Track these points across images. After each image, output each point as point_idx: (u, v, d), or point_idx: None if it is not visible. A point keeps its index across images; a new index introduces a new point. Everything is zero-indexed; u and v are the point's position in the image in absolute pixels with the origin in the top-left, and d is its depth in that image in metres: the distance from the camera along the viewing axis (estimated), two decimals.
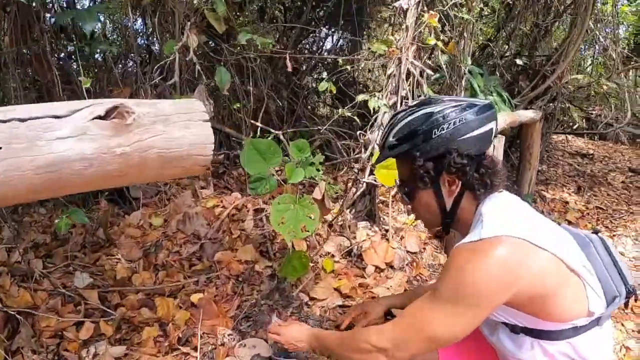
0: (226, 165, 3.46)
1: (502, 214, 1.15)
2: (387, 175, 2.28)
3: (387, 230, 2.87)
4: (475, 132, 1.18)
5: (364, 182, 2.79)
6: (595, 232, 1.33)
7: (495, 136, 1.25)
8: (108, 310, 2.02)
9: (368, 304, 1.77)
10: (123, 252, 2.37)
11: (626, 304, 1.24)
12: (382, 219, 3.01)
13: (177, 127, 1.17)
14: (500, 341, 1.27)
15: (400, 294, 1.98)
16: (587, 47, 5.91)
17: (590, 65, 6.11)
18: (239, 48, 2.94)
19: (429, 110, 1.21)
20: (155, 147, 1.12)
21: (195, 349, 1.83)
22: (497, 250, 1.06)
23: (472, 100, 1.23)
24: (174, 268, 2.28)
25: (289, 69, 2.63)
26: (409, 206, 1.36)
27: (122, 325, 1.97)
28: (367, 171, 2.78)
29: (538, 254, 1.09)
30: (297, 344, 1.50)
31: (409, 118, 1.23)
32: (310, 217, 1.85)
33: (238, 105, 3.83)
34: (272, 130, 3.38)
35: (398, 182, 1.36)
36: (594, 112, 6.41)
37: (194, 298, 2.06)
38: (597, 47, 5.43)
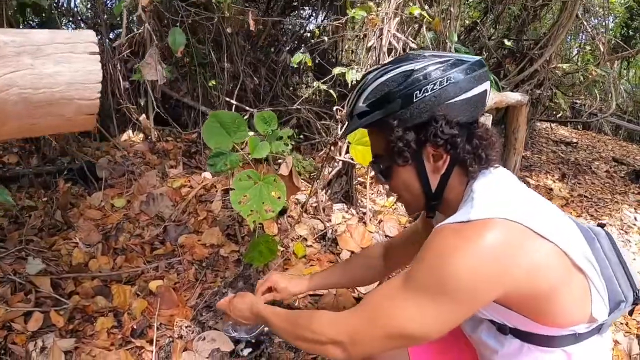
0: (198, 144, 3.29)
1: (497, 193, 0.96)
2: (364, 152, 2.13)
3: (364, 214, 2.74)
4: (466, 95, 0.96)
5: (340, 160, 2.64)
6: (601, 225, 1.13)
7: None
8: (61, 298, 1.87)
9: (281, 278, 1.56)
10: (81, 235, 2.21)
11: (631, 312, 1.07)
12: (359, 201, 2.89)
13: (51, 60, 0.90)
14: (482, 341, 1.10)
15: (328, 271, 1.65)
16: (574, 36, 5.79)
17: (577, 54, 5.99)
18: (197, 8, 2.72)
19: (407, 67, 0.98)
20: (17, 85, 0.86)
21: (150, 341, 1.70)
22: (487, 235, 0.87)
23: (460, 55, 1.00)
24: (134, 252, 2.13)
25: (252, 28, 2.42)
26: (387, 186, 1.14)
27: (75, 315, 1.83)
28: (344, 149, 2.63)
29: (537, 243, 0.89)
30: (243, 319, 1.37)
31: (383, 78, 1.00)
32: (276, 197, 1.70)
33: (213, 83, 3.65)
34: (247, 108, 3.21)
35: (372, 157, 1.12)
36: (578, 102, 6.34)
37: (153, 285, 1.92)
38: (583, 36, 5.30)
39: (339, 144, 2.63)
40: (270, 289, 1.58)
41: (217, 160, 1.80)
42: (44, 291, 1.88)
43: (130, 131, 3.22)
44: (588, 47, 5.37)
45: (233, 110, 3.21)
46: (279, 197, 1.75)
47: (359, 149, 2.24)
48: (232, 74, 3.78)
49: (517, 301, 0.95)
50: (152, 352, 1.65)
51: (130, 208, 2.40)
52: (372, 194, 3.09)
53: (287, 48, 4.71)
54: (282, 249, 2.27)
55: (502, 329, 1.04)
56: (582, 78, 4.76)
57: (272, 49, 4.74)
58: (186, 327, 1.72)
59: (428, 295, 0.90)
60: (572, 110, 6.95)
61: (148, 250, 2.17)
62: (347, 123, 1.11)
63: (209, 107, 3.69)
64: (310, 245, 2.40)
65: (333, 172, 2.75)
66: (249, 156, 1.82)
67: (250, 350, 1.72)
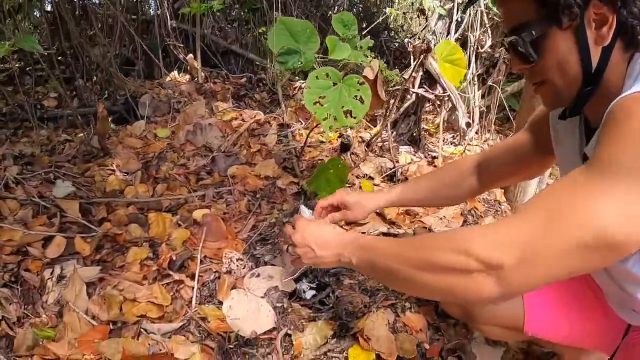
0: (248, 89, 2.79)
1: None
2: (453, 71, 1.58)
3: (434, 157, 2.17)
4: None
5: (413, 92, 2.08)
6: None
7: None
8: (90, 225, 1.43)
9: (350, 193, 1.15)
10: (119, 162, 1.76)
11: None
12: (426, 145, 2.32)
13: None
14: (630, 272, 0.76)
15: (410, 183, 1.23)
16: None
17: None
18: None
19: None
20: None
21: (192, 276, 1.22)
22: None
23: None
24: (178, 182, 1.66)
25: None
26: (527, 71, 0.76)
27: (105, 244, 1.38)
28: (417, 81, 2.07)
29: None
30: (322, 253, 0.86)
31: None
32: (359, 100, 1.17)
33: (263, 29, 3.16)
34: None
35: (512, 32, 0.73)
36: None
37: (197, 214, 1.44)
38: None
39: (413, 75, 2.06)
40: (335, 209, 1.11)
41: (288, 58, 1.31)
42: (70, 216, 1.44)
43: (176, 72, 2.76)
44: None
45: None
46: (362, 101, 1.21)
47: (447, 66, 1.68)
48: None
49: None
50: (192, 288, 1.17)
51: (175, 138, 1.94)
52: (439, 140, 2.51)
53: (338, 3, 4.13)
54: (347, 186, 1.74)
55: None
56: None
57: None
58: (237, 261, 1.23)
59: (632, 179, 0.55)
60: None
61: (193, 180, 1.70)
62: None
63: (257, 55, 3.19)
64: (377, 185, 1.86)
65: (405, 106, 2.17)
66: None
67: (314, 293, 1.21)
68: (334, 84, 1.23)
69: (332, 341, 1.12)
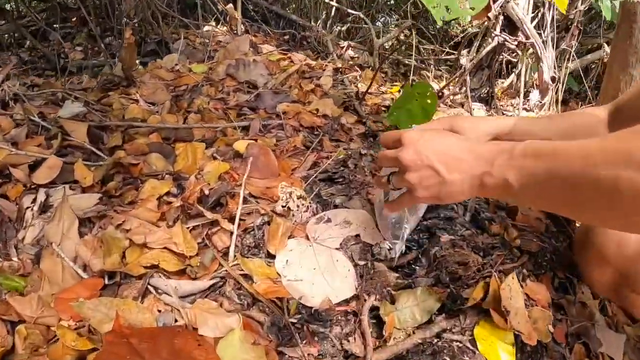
0: (291, 46, 2.36)
1: None
2: None
3: None
4: None
5: (495, 36, 1.61)
6: None
7: None
8: (98, 152, 1.01)
9: (460, 117, 0.95)
10: (144, 92, 1.35)
11: None
12: (500, 106, 1.84)
13: None
14: None
15: (534, 119, 0.91)
16: None
17: None
18: None
19: None
20: None
21: (231, 218, 0.77)
22: None
23: None
24: (214, 114, 1.23)
25: None
26: None
27: (114, 175, 0.95)
28: (499, 25, 1.60)
29: None
30: (454, 176, 0.55)
31: None
32: None
33: None
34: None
35: None
36: None
37: (240, 146, 1.00)
38: None
39: (494, 16, 1.59)
40: None
41: None
42: (75, 140, 1.04)
43: (213, 23, 2.35)
44: None
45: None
46: None
47: None
48: None
49: None
50: (231, 233, 0.72)
51: (213, 73, 1.51)
52: (506, 105, 2.02)
53: None
54: None
55: None
56: None
57: None
58: (297, 199, 0.78)
59: None
60: None
61: (233, 115, 1.26)
62: None
63: (300, 17, 2.76)
64: None
65: (484, 52, 1.70)
66: None
67: (404, 250, 0.77)
68: None
69: (441, 317, 0.68)
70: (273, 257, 0.72)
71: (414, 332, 0.67)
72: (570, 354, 0.77)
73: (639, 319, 0.91)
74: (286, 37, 2.54)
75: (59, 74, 1.71)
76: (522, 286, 0.81)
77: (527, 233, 0.99)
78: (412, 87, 1.07)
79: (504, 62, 2.26)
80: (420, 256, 0.82)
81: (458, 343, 0.68)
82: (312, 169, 0.96)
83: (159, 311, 0.61)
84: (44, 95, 1.23)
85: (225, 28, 2.37)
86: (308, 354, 0.56)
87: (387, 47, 2.49)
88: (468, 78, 1.60)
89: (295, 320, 0.60)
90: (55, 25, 2.43)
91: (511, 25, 1.88)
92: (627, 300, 0.74)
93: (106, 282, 0.71)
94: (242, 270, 0.67)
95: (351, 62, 2.19)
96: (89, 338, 0.61)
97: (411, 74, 1.35)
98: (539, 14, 2.00)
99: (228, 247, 0.73)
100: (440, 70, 2.52)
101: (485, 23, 1.73)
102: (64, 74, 1.83)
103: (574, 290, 0.90)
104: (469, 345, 0.68)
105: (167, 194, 0.89)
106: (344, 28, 2.86)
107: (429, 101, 1.05)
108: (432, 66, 2.18)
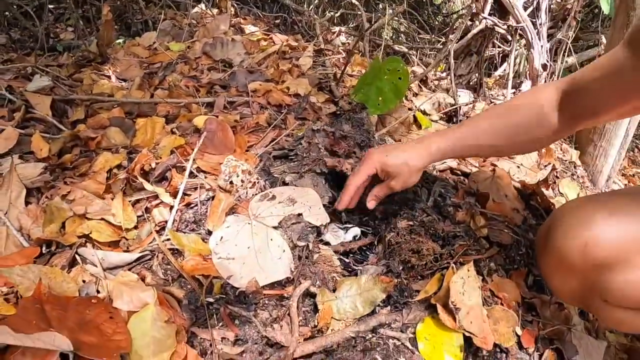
0: (282, 30, 2.30)
1: None
2: None
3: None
4: None
5: (483, 18, 1.54)
6: None
7: None
8: (60, 125, 1.00)
9: (386, 152, 0.77)
10: (117, 69, 1.31)
11: None
12: (489, 95, 1.77)
13: None
14: None
15: (470, 125, 0.79)
16: None
17: None
18: None
19: None
20: None
21: (174, 193, 0.75)
22: None
23: None
24: (183, 91, 1.20)
25: None
26: None
27: (73, 148, 0.92)
28: (488, 7, 1.53)
29: None
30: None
31: None
32: None
33: None
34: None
35: None
36: None
37: (199, 121, 0.97)
38: None
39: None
40: (372, 179, 0.77)
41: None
42: (38, 112, 1.02)
43: (202, 5, 2.29)
44: None
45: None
46: None
47: None
48: None
49: None
50: (171, 207, 0.70)
51: (190, 51, 1.46)
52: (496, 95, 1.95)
53: None
54: (402, 104, 1.23)
55: None
56: None
57: None
58: (242, 173, 0.75)
59: None
60: None
61: (203, 92, 1.22)
62: None
63: (294, 2, 2.68)
64: (436, 121, 1.34)
65: (466, 38, 1.63)
66: None
67: (355, 233, 0.74)
68: None
69: (385, 310, 0.64)
70: (210, 234, 0.69)
71: (349, 324, 0.62)
72: None
73: (611, 329, 0.82)
74: (277, 21, 2.47)
75: (46, 53, 1.68)
76: (486, 281, 0.75)
77: (498, 223, 0.91)
78: (382, 62, 1.01)
79: (497, 54, 2.18)
80: (375, 242, 0.79)
81: (395, 340, 0.62)
82: (272, 144, 0.93)
83: (84, 281, 0.59)
84: (15, 69, 1.20)
85: (216, 11, 2.31)
86: (223, 338, 0.53)
87: (385, 36, 2.42)
88: (452, 61, 1.53)
89: (214, 301, 0.57)
90: (50, 6, 2.39)
91: (502, 10, 1.81)
92: (597, 310, 0.64)
93: (43, 251, 0.69)
94: (173, 244, 0.65)
95: (341, 48, 2.13)
96: (15, 304, 0.60)
97: (381, 50, 1.27)
98: (534, 2, 1.91)
99: (166, 222, 0.71)
100: (431, 58, 2.45)
101: (474, 5, 1.67)
102: (51, 54, 1.80)
103: (551, 291, 0.79)
104: (407, 344, 0.62)
105: (119, 167, 0.86)
106: (337, 14, 2.79)
107: (400, 78, 1.00)
108: (419, 51, 2.11)
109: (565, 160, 1.62)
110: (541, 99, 0.74)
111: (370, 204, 0.77)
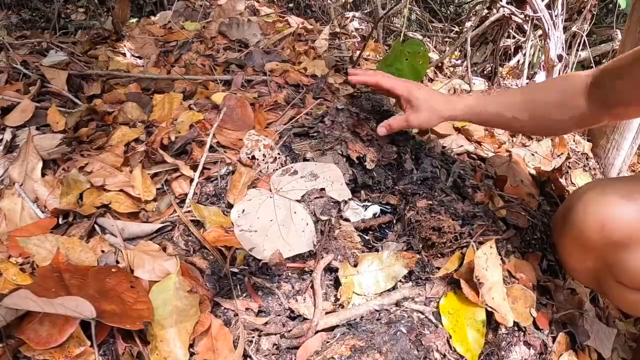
0: (295, 14, 2.24)
1: None
2: None
3: None
4: None
5: (501, 6, 1.49)
6: None
7: None
8: (75, 99, 0.96)
9: (418, 87, 0.78)
10: (132, 46, 1.28)
11: None
12: (502, 84, 1.72)
13: None
14: None
15: (503, 95, 0.80)
16: None
17: None
18: None
19: None
20: None
21: (194, 167, 0.72)
22: None
23: None
24: (200, 69, 1.16)
25: None
26: None
27: (89, 122, 0.89)
28: None
29: None
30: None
31: None
32: None
33: None
34: None
35: None
36: None
37: (217, 98, 0.93)
38: None
39: None
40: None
41: None
42: (54, 87, 0.98)
43: None
44: None
45: None
46: None
47: None
48: None
49: None
50: (191, 180, 0.67)
51: (206, 30, 1.42)
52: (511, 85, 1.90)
53: None
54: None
55: None
56: None
57: None
58: (264, 148, 0.71)
59: None
60: None
61: (220, 71, 1.19)
62: None
63: None
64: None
65: (483, 26, 1.58)
66: None
67: (375, 212, 0.70)
68: None
69: (407, 285, 0.62)
70: (231, 207, 0.66)
71: (370, 299, 0.60)
72: (552, 343, 0.67)
73: (625, 312, 0.81)
74: (290, 4, 2.42)
75: (57, 32, 1.64)
76: (504, 261, 0.73)
77: (516, 206, 0.89)
78: (402, 45, 0.98)
79: (511, 44, 2.12)
80: (394, 221, 0.76)
81: (419, 314, 0.60)
82: (290, 122, 0.90)
83: (103, 251, 0.57)
84: (30, 45, 1.17)
85: None
86: (247, 308, 0.50)
87: (398, 25, 2.36)
88: (469, 48, 1.48)
89: (238, 271, 0.54)
90: None
91: (518, 0, 1.75)
92: (610, 291, 0.63)
93: (60, 222, 0.66)
94: (194, 215, 0.62)
95: (354, 33, 2.08)
96: (31, 274, 0.58)
97: (402, 34, 1.23)
98: None
99: (186, 194, 0.68)
100: (445, 45, 2.39)
101: None
102: (64, 31, 1.77)
103: (564, 275, 0.80)
104: (432, 317, 0.60)
105: (136, 140, 0.84)
106: None
107: (420, 61, 0.96)
108: (434, 38, 2.06)
109: (578, 152, 1.57)
110: (575, 83, 0.73)
111: (381, 129, 0.79)
